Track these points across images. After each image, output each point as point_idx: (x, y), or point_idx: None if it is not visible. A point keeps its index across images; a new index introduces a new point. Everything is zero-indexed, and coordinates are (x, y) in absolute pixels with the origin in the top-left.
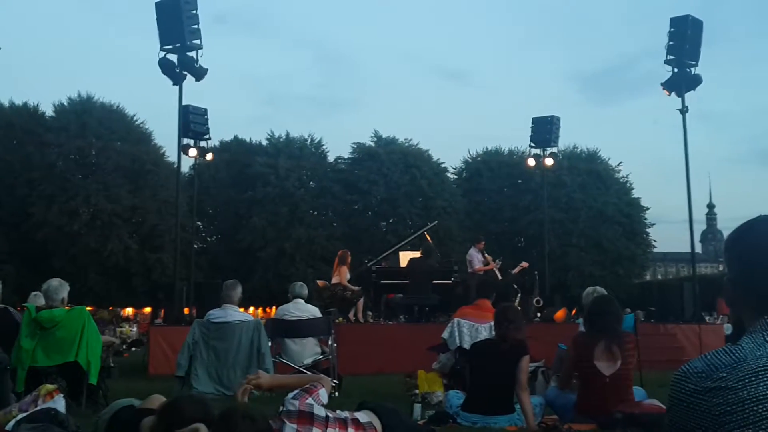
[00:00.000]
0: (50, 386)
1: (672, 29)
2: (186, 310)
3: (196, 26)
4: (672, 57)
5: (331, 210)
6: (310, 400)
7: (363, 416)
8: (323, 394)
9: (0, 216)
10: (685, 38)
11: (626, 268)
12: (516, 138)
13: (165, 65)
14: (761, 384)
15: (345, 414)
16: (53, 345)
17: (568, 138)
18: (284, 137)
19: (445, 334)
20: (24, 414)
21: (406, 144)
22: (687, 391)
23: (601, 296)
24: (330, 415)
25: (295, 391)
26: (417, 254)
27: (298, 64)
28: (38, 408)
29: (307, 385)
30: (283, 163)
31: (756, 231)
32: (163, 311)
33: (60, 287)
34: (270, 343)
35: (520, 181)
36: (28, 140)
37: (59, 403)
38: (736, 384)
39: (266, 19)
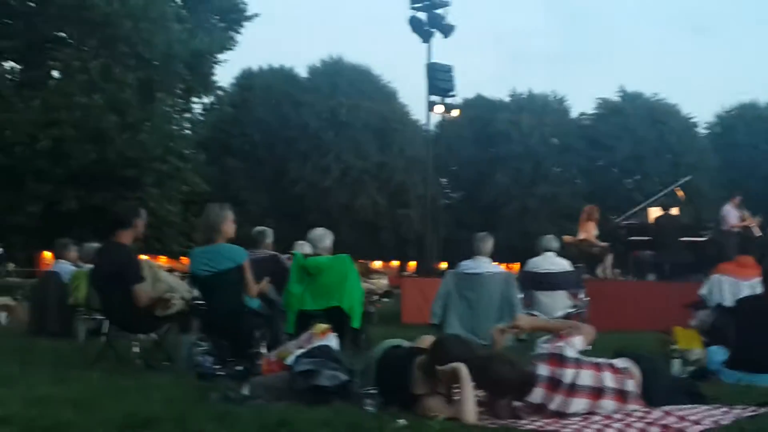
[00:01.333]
0: (323, 325)
1: None
2: (443, 265)
3: None
4: None
5: (575, 167)
6: (561, 344)
7: (620, 362)
8: (577, 341)
9: (261, 173)
10: None
11: None
12: None
13: (414, 23)
14: None
15: (600, 360)
16: (319, 290)
17: None
18: (527, 94)
19: (704, 291)
20: (301, 350)
21: (653, 98)
22: None
23: None
24: (582, 358)
25: (547, 336)
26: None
27: (535, 20)
28: (313, 345)
29: (562, 332)
30: (525, 119)
31: None
32: (411, 264)
33: (324, 235)
34: (521, 296)
35: None
36: (285, 101)
37: (332, 342)
38: None
39: None
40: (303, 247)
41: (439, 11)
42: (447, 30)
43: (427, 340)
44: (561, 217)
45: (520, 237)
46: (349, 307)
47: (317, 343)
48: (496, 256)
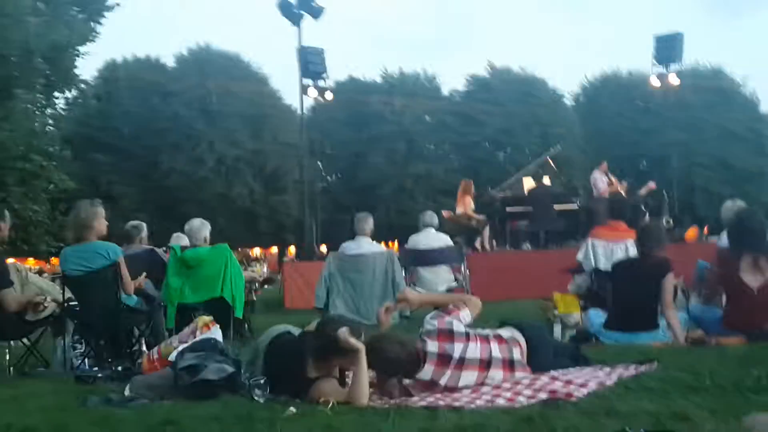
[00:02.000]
0: (206, 318)
1: None
2: (323, 248)
3: None
4: None
5: (449, 143)
6: (449, 319)
7: (505, 332)
8: (465, 314)
9: (132, 167)
10: None
11: (757, 185)
12: (635, 59)
13: (284, 6)
14: None
15: (487, 331)
16: (199, 282)
17: (689, 56)
18: (398, 74)
19: (580, 256)
20: (185, 345)
21: (522, 73)
22: None
23: (744, 210)
24: (471, 331)
25: (434, 312)
26: (544, 180)
27: (405, 3)
28: (197, 339)
29: (449, 306)
30: (398, 99)
31: None
32: (290, 249)
33: (202, 226)
34: (404, 273)
35: (641, 104)
36: (153, 92)
37: (216, 334)
38: None
39: None
40: (180, 240)
41: None
42: (316, 12)
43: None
44: (437, 193)
45: (397, 215)
46: (231, 297)
47: (201, 336)
48: (376, 236)
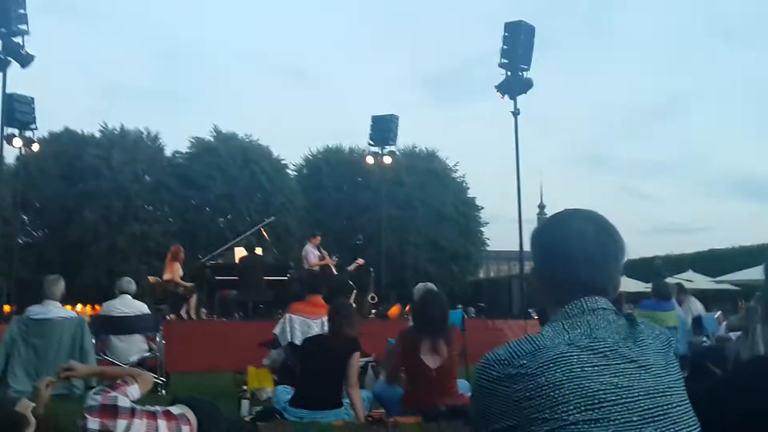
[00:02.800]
0: None
1: (506, 34)
2: (6, 308)
3: (22, 11)
4: (505, 61)
5: (167, 205)
6: (113, 394)
7: (176, 409)
8: (133, 390)
9: None
10: (518, 43)
11: (461, 266)
12: (357, 136)
13: None
14: (558, 370)
15: (156, 408)
16: None
17: (408, 138)
18: (119, 129)
19: (277, 330)
20: None
21: (246, 139)
22: (490, 377)
23: (428, 292)
24: (137, 407)
25: (98, 387)
26: (256, 251)
27: (135, 56)
28: None
29: (117, 381)
30: (117, 155)
31: (555, 224)
32: None
33: None
34: (94, 340)
35: (359, 179)
36: None
37: None
38: (535, 370)
39: (105, 8)
40: None
41: (16, 39)
42: (25, 60)
43: None
44: (152, 256)
45: (107, 276)
46: None
47: None
48: (82, 297)
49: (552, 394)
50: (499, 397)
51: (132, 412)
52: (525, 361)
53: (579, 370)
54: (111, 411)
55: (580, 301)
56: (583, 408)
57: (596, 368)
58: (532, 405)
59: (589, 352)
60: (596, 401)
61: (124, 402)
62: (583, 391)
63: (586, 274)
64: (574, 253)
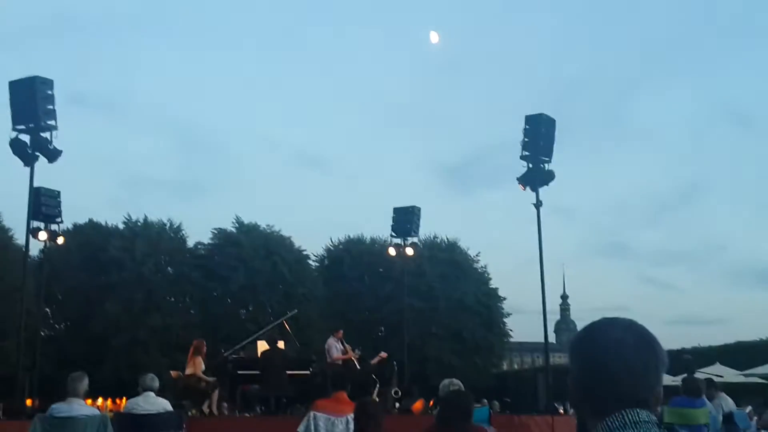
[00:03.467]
0: None
1: (527, 126)
2: (29, 402)
3: (51, 107)
4: (527, 153)
5: (189, 296)
6: None
7: None
8: None
9: None
10: (539, 135)
11: (484, 358)
12: (378, 227)
13: (16, 146)
14: None
15: None
16: None
17: (428, 228)
18: (142, 221)
19: (301, 428)
20: None
21: (268, 230)
22: None
23: (454, 391)
24: None
25: None
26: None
27: (157, 148)
28: None
29: None
30: (139, 247)
31: (595, 335)
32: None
33: None
34: None
35: (381, 270)
36: None
37: None
38: None
39: (126, 101)
40: None
41: (44, 135)
42: (53, 155)
43: None
44: (173, 348)
45: (129, 369)
46: None
47: None
48: (103, 391)
49: None
50: None
51: None
52: None
53: None
54: None
55: (621, 414)
56: None
57: None
58: None
59: None
60: None
61: None
62: None
63: (627, 386)
64: (614, 365)
